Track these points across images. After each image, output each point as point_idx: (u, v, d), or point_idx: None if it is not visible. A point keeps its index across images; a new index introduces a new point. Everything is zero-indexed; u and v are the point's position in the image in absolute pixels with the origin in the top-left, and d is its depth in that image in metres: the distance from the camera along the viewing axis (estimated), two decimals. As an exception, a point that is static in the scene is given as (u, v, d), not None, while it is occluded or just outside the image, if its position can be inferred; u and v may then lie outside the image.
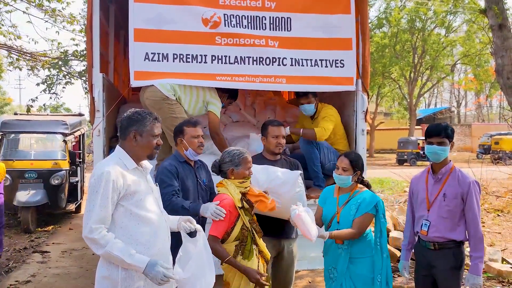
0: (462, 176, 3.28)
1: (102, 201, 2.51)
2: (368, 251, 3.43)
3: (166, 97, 4.45)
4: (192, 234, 2.92)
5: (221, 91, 4.83)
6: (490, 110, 60.03)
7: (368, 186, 3.64)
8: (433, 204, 3.34)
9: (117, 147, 2.77)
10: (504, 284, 5.48)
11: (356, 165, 3.49)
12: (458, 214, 3.27)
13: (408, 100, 31.87)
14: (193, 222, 2.94)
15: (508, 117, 18.74)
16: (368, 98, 4.97)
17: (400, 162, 28.31)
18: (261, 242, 3.35)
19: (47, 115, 12.91)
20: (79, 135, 11.43)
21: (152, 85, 4.45)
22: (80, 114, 12.61)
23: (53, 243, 8.19)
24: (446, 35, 30.20)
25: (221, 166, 3.39)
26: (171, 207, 3.27)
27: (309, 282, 5.82)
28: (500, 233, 8.29)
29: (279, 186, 3.63)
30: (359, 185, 3.61)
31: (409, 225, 3.62)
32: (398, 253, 6.20)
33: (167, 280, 2.57)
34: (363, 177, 3.67)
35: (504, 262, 6.21)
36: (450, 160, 3.36)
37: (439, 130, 3.28)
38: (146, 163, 2.86)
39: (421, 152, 28.33)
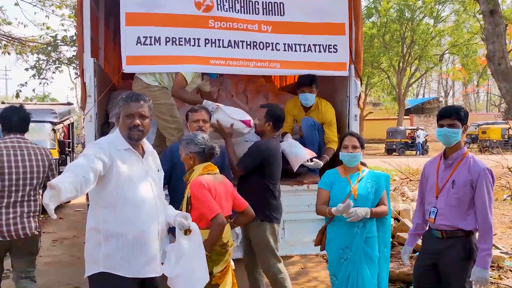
0: (474, 163, 3.12)
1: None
2: (374, 230, 3.48)
3: (147, 84, 4.36)
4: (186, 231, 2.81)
5: None
6: (477, 99, 60.54)
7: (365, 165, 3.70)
8: (441, 191, 3.21)
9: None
10: (493, 268, 5.56)
11: (362, 143, 3.60)
12: (467, 203, 3.11)
13: (397, 90, 32.00)
14: (188, 219, 2.81)
15: (498, 104, 18.82)
16: (360, 84, 4.95)
17: (389, 151, 28.55)
18: None
19: (35, 104, 12.74)
20: (68, 124, 11.30)
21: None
22: (69, 103, 12.46)
23: (43, 232, 8.09)
24: (435, 25, 30.30)
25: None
26: None
27: (301, 268, 5.84)
28: (488, 219, 8.38)
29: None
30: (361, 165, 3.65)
31: (418, 212, 3.49)
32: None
33: None
34: None
35: (493, 247, 6.29)
36: (464, 146, 3.22)
37: (450, 112, 3.17)
38: (147, 145, 2.88)
39: (410, 142, 28.65)
